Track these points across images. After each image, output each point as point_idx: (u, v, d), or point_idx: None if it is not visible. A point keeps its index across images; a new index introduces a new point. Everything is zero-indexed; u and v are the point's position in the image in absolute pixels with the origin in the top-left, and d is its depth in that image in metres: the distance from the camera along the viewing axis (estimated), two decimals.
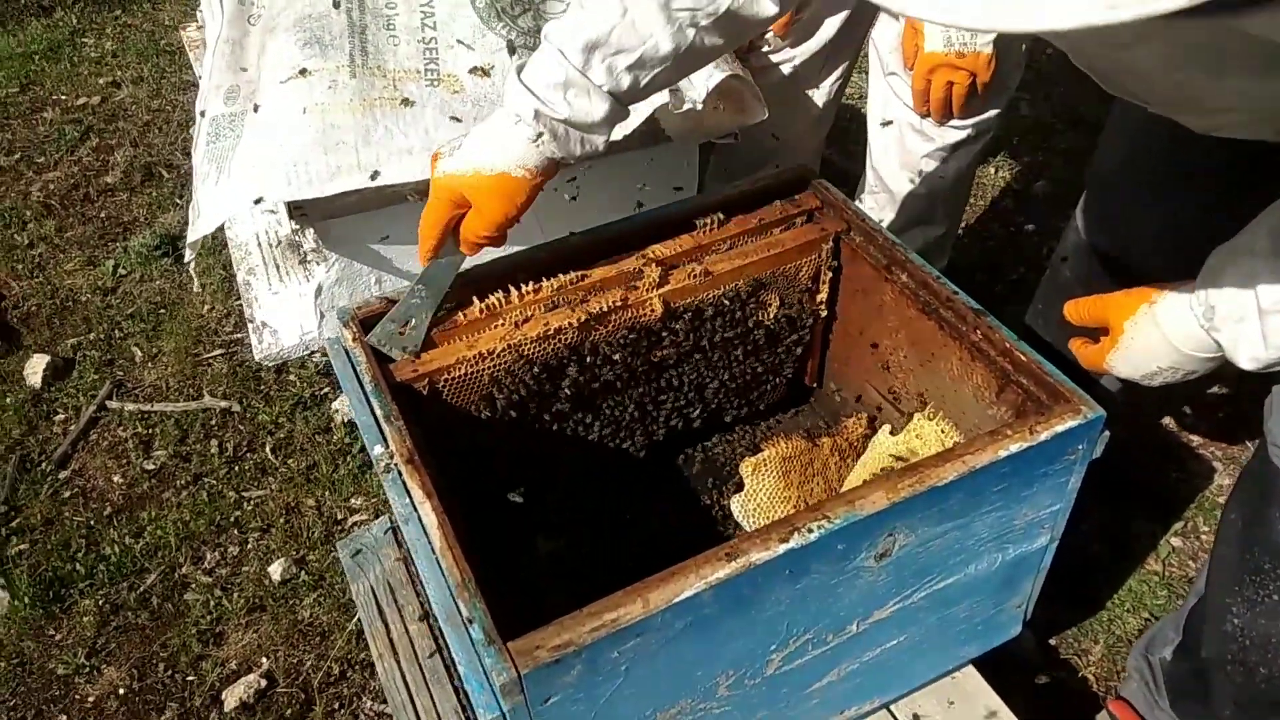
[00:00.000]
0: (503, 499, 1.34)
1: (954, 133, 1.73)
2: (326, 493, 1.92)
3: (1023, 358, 1.11)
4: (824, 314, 1.42)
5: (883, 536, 0.98)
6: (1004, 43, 1.53)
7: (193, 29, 2.75)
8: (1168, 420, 1.99)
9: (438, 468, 1.09)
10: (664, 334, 1.31)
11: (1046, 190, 2.66)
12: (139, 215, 2.65)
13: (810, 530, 0.93)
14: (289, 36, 1.62)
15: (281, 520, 1.87)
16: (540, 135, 1.06)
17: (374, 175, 1.48)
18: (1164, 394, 1.98)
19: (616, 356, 1.29)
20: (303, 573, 1.78)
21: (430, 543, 0.96)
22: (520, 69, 1.08)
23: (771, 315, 1.38)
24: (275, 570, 1.77)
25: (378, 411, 1.09)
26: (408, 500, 1.01)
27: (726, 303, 1.32)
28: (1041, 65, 3.03)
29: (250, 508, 1.90)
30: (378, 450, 1.07)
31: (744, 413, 1.48)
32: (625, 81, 1.06)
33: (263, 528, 1.86)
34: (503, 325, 1.22)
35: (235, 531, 1.86)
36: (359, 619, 1.59)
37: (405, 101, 1.56)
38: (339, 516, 1.89)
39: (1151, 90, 1.04)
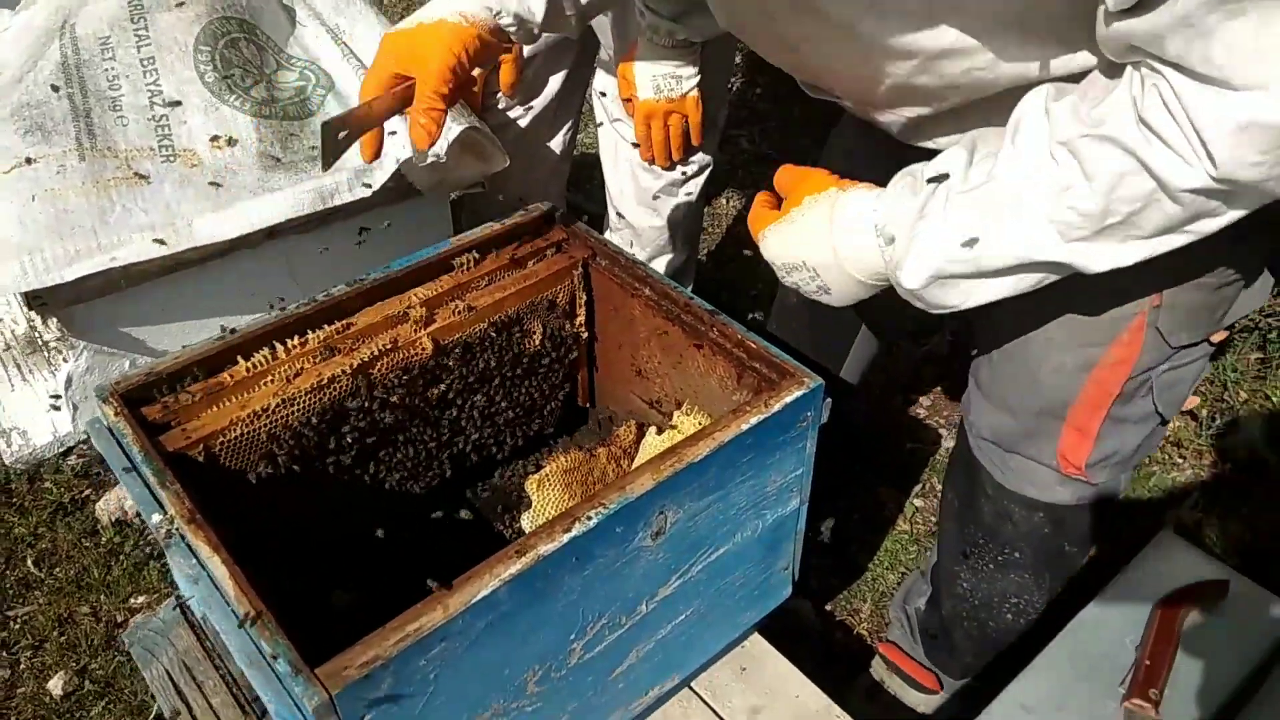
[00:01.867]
0: (294, 558, 1.35)
1: (679, 168, 1.91)
2: (102, 597, 1.82)
3: (754, 346, 1.26)
4: (584, 335, 1.53)
5: (655, 514, 1.09)
6: (708, 85, 1.72)
7: None
8: (896, 399, 2.26)
9: (222, 534, 1.09)
10: (439, 371, 1.38)
11: None
12: None
13: (589, 518, 1.02)
14: (7, 126, 1.57)
15: (55, 633, 1.76)
16: None
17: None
18: (888, 378, 2.25)
19: (394, 398, 1.34)
20: (86, 682, 1.68)
21: (224, 594, 0.97)
22: None
23: (537, 342, 1.47)
24: (55, 686, 1.66)
25: (150, 479, 1.09)
26: (194, 560, 1.01)
27: (493, 334, 1.41)
28: (757, 106, 3.35)
29: (18, 626, 1.77)
30: (156, 518, 1.07)
31: (528, 438, 1.56)
32: None
33: (35, 644, 1.74)
34: (274, 381, 1.25)
35: (4, 653, 1.72)
36: (156, 712, 1.53)
37: (140, 177, 1.55)
38: (119, 619, 1.79)
39: (807, 67, 1.10)
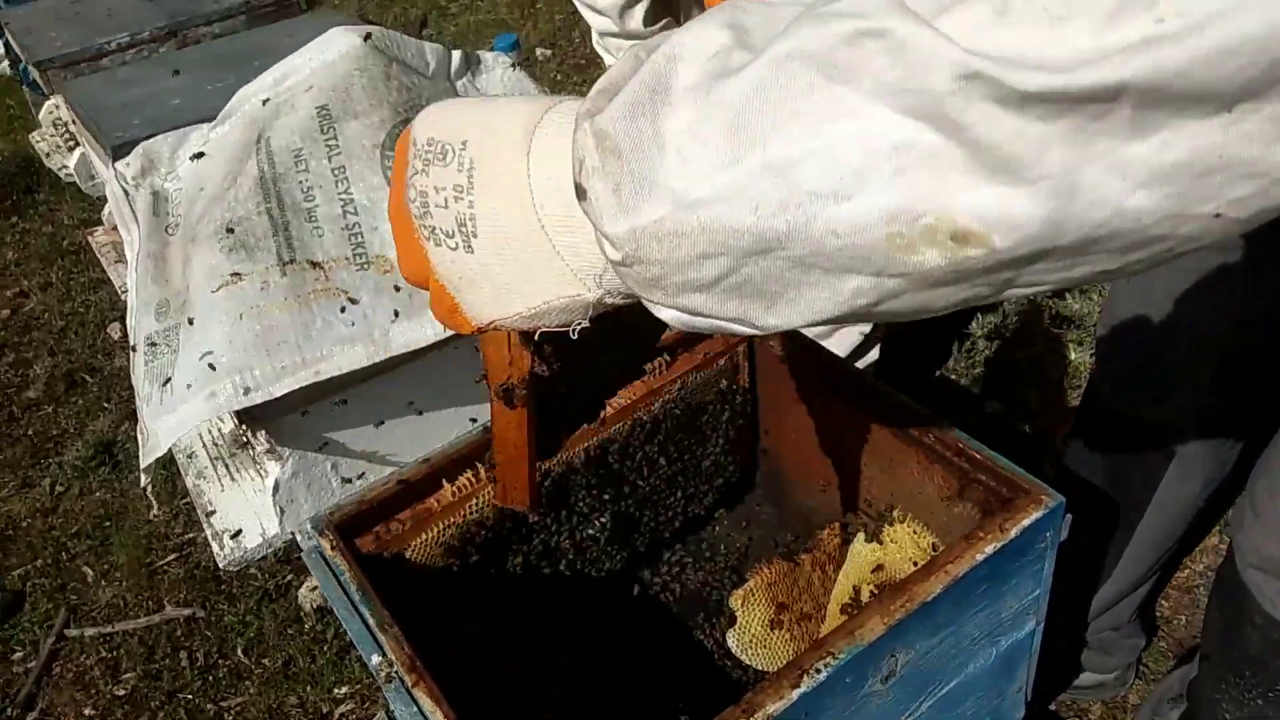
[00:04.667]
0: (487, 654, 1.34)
1: None
2: (308, 688, 1.87)
3: (978, 456, 1.17)
4: (746, 416, 1.47)
5: (886, 659, 1.01)
6: None
7: (100, 233, 2.75)
8: None
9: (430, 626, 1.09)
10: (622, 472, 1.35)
11: None
12: (68, 426, 2.60)
13: (818, 670, 0.95)
14: (213, 244, 1.65)
15: None
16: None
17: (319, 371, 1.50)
18: None
19: (583, 505, 1.33)
20: None
21: None
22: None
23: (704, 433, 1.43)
24: None
25: (370, 621, 1.09)
26: (416, 709, 1.00)
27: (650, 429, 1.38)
28: None
29: (231, 718, 1.84)
30: (375, 660, 1.06)
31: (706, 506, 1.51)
32: None
33: None
34: (478, 503, 1.24)
35: None
36: None
37: (340, 291, 1.59)
38: (325, 710, 1.84)
39: None
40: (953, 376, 2.37)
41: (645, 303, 0.52)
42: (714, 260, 0.46)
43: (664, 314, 0.52)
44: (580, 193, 0.49)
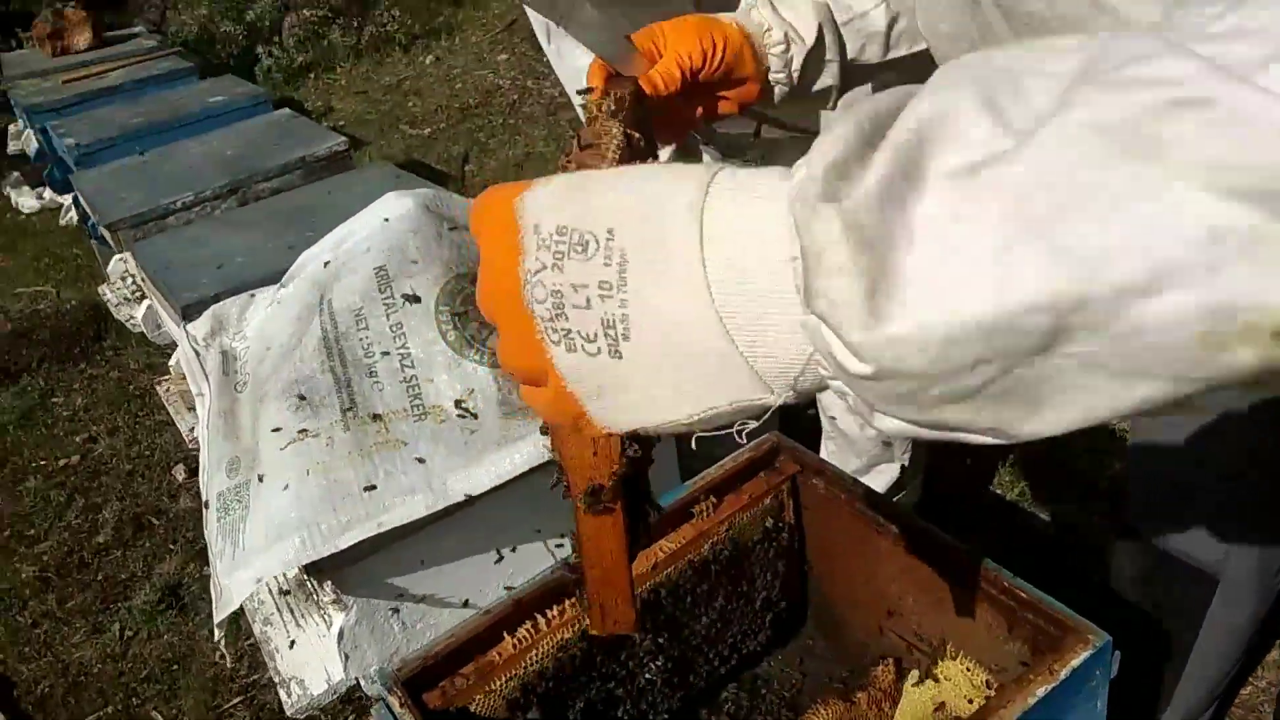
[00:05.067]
0: None
1: None
2: None
3: (1023, 594, 1.20)
4: (789, 555, 1.51)
5: None
6: None
7: (168, 383, 2.89)
8: None
9: None
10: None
11: None
12: (136, 570, 2.69)
13: None
14: (281, 403, 1.75)
15: None
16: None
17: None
18: None
19: (640, 649, 1.36)
20: None
21: None
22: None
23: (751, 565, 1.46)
24: None
25: None
26: None
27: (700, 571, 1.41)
28: None
29: None
30: None
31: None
32: None
33: None
34: (537, 654, 1.29)
35: None
36: None
37: (399, 443, 1.68)
38: None
39: None
40: (998, 491, 2.38)
41: (867, 413, 0.46)
42: (987, 366, 0.39)
43: (889, 425, 0.45)
44: (813, 294, 0.42)
